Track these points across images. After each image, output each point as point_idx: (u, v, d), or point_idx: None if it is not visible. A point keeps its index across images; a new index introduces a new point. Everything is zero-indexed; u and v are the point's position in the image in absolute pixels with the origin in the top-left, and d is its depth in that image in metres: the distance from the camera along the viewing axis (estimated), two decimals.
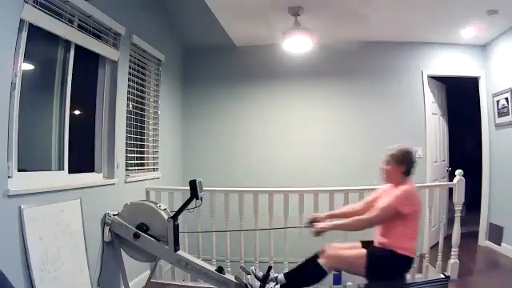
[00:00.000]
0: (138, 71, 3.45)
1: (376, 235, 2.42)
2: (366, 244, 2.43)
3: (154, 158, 3.87)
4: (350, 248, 2.43)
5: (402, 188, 2.31)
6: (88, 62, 2.89)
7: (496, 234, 4.14)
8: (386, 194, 2.42)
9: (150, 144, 3.82)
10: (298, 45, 3.88)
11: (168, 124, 4.23)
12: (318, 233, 2.38)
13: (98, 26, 2.76)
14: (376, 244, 2.39)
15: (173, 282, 3.35)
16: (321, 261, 2.32)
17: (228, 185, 3.72)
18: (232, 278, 2.50)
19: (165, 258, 2.67)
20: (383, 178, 2.48)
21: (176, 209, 2.65)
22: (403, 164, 2.38)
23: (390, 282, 2.30)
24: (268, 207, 3.28)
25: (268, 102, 4.75)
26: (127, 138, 3.23)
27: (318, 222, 2.51)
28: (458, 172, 3.25)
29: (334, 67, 4.64)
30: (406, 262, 2.30)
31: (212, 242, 3.36)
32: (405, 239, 2.28)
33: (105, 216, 2.67)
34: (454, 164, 4.76)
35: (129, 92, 3.26)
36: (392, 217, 2.27)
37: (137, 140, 3.49)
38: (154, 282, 3.25)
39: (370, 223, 2.33)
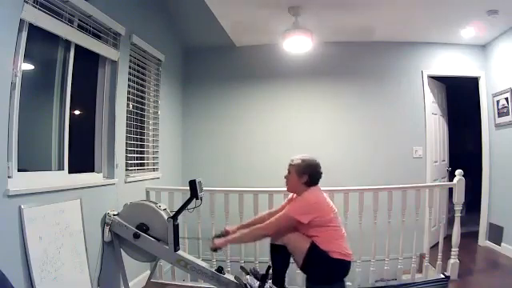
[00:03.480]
0: (138, 71, 3.45)
1: None
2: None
3: (154, 158, 3.87)
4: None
5: (300, 198, 2.34)
6: (88, 62, 2.88)
7: (496, 233, 4.14)
8: (289, 203, 2.45)
9: (150, 144, 3.82)
10: (297, 45, 3.87)
11: (168, 124, 4.23)
12: (215, 249, 2.41)
13: (98, 26, 2.76)
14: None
15: (173, 282, 3.35)
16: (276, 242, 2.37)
17: (228, 185, 3.73)
18: (232, 277, 2.51)
19: (165, 258, 2.67)
20: (286, 186, 2.50)
21: (176, 209, 2.65)
22: (304, 175, 2.38)
23: (327, 286, 2.29)
24: (268, 207, 3.27)
25: (268, 102, 4.75)
26: (127, 138, 3.23)
27: (227, 235, 2.52)
28: (458, 172, 3.25)
29: (333, 67, 4.63)
30: (340, 266, 2.28)
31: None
32: (332, 242, 2.26)
33: (105, 216, 2.68)
34: (454, 164, 4.76)
35: (129, 92, 3.26)
36: (291, 225, 2.28)
37: (137, 140, 3.49)
38: (154, 282, 3.25)
39: (264, 231, 2.34)
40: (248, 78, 4.78)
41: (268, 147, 4.68)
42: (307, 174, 2.38)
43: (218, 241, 2.44)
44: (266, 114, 4.73)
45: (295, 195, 2.48)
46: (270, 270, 2.44)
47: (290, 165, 2.44)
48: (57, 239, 2.21)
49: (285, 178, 2.48)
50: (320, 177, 2.43)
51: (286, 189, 2.53)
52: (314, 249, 2.25)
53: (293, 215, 2.27)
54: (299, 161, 2.41)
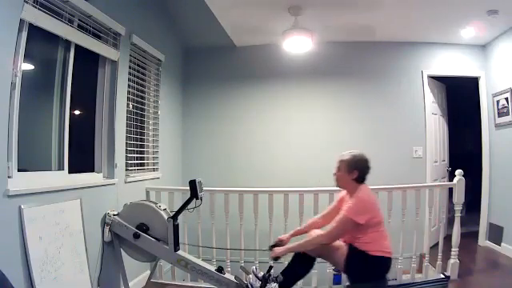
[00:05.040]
0: (138, 71, 3.45)
1: None
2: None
3: (154, 158, 3.87)
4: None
5: (355, 198, 2.31)
6: (88, 62, 2.88)
7: (496, 233, 4.14)
8: (342, 204, 2.43)
9: (150, 144, 3.82)
10: (297, 45, 3.87)
11: (168, 124, 4.23)
12: (276, 258, 2.40)
13: (98, 26, 2.76)
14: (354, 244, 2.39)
15: (173, 282, 3.35)
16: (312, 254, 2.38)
17: (228, 185, 3.73)
18: (232, 278, 2.50)
19: (165, 258, 2.67)
20: (335, 183, 2.47)
21: (176, 209, 2.65)
22: (355, 170, 2.36)
23: (369, 283, 2.28)
24: (268, 207, 3.28)
25: (268, 102, 4.75)
26: (127, 138, 3.23)
27: (282, 244, 2.51)
28: (458, 172, 3.25)
29: (333, 67, 4.64)
30: (381, 263, 2.28)
31: (212, 242, 3.36)
32: (374, 243, 2.27)
33: (105, 216, 2.67)
34: (454, 164, 4.76)
35: (129, 92, 3.26)
36: (351, 227, 2.26)
37: (137, 140, 3.49)
38: (154, 282, 3.25)
39: (328, 238, 2.31)
40: (248, 78, 4.78)
41: (268, 147, 4.68)
42: (357, 170, 2.36)
43: (278, 249, 2.43)
44: (265, 114, 4.73)
45: (345, 195, 2.47)
46: (272, 270, 2.44)
47: (340, 161, 2.41)
48: (57, 239, 2.20)
49: (334, 174, 2.44)
50: (368, 173, 2.41)
51: (336, 186, 2.49)
52: (352, 250, 2.29)
53: (351, 217, 2.23)
54: (349, 156, 2.39)
